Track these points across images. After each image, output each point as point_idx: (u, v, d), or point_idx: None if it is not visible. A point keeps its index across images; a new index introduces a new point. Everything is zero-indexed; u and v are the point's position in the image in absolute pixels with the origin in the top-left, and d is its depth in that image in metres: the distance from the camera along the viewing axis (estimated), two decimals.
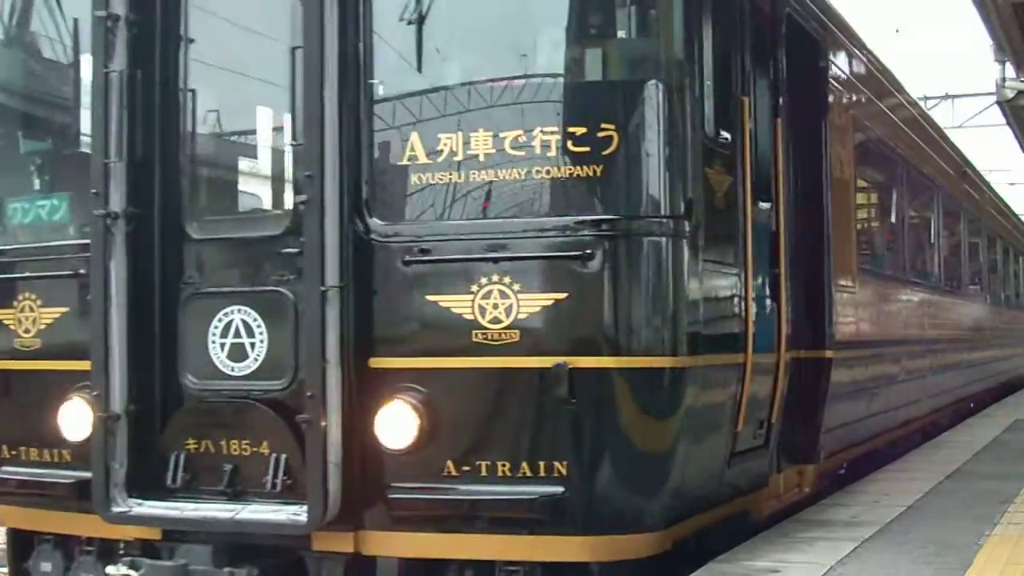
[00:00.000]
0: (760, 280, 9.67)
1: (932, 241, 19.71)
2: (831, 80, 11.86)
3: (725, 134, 8.86)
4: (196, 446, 8.50)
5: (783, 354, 9.90)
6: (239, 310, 8.41)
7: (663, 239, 8.02)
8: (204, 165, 9.13)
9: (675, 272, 8.07)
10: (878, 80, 15.08)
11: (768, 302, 9.87)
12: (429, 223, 8.32)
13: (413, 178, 8.28)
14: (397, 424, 8.01)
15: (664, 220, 8.04)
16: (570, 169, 7.99)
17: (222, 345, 8.44)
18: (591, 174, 7.95)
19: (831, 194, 11.50)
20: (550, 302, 7.85)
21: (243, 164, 9.21)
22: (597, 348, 7.88)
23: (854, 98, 13.09)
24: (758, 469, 9.83)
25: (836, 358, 11.33)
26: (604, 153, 7.91)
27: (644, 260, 7.98)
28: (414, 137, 8.26)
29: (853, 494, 11.79)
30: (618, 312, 7.91)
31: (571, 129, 7.99)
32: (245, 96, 9.15)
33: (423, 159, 8.23)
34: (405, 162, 8.31)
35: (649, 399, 8.05)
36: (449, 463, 8.00)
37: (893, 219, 16.60)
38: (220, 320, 8.45)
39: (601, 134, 7.92)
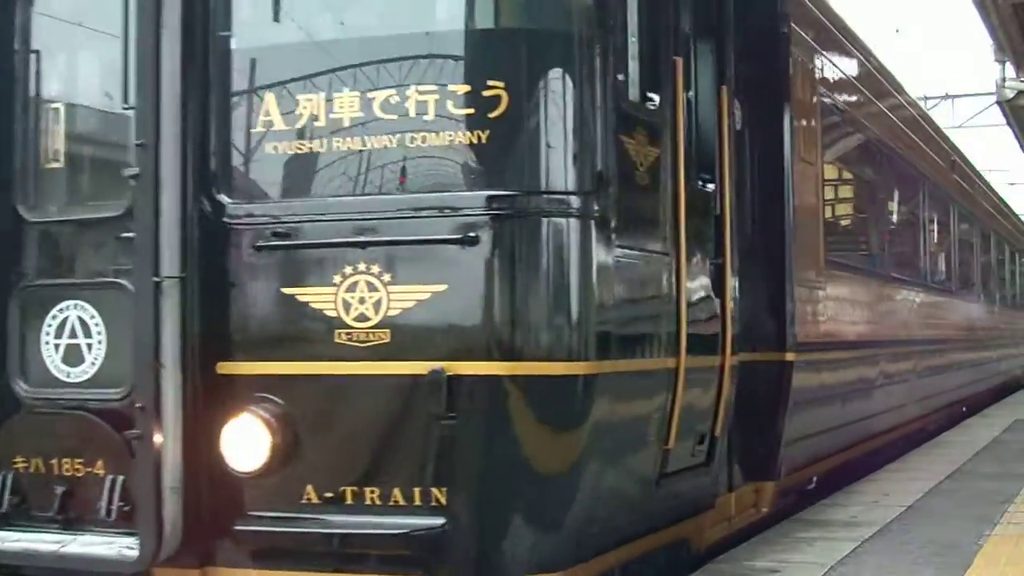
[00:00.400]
0: (698, 272, 8.12)
1: (918, 235, 17.95)
2: (793, 48, 10.25)
3: (652, 99, 7.34)
4: (26, 465, 7.00)
5: (728, 357, 8.36)
6: (75, 305, 6.92)
7: (565, 220, 6.54)
8: (40, 135, 7.47)
9: (582, 259, 6.58)
10: (852, 52, 13.36)
11: (710, 297, 8.31)
12: (286, 202, 6.83)
13: (268, 148, 6.80)
14: (247, 442, 6.52)
15: (566, 197, 6.54)
16: (451, 136, 6.51)
17: (56, 346, 6.94)
18: (476, 141, 6.48)
19: (793, 178, 9.99)
20: (427, 296, 6.41)
21: (83, 133, 7.62)
22: (484, 352, 6.41)
23: (823, 71, 11.45)
24: (699, 490, 8.27)
25: (799, 361, 9.82)
26: (491, 116, 6.44)
27: (542, 245, 6.50)
28: (270, 99, 6.78)
29: (853, 494, 11.45)
30: (510, 308, 6.44)
31: (452, 88, 6.52)
32: (86, 53, 7.59)
33: (280, 125, 6.76)
34: (260, 129, 6.81)
35: (548, 413, 6.54)
36: (309, 489, 6.54)
37: (870, 209, 14.80)
38: (54, 317, 6.95)
39: (487, 93, 6.45)
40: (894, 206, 16.31)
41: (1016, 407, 24.08)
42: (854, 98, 13.30)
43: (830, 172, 12.60)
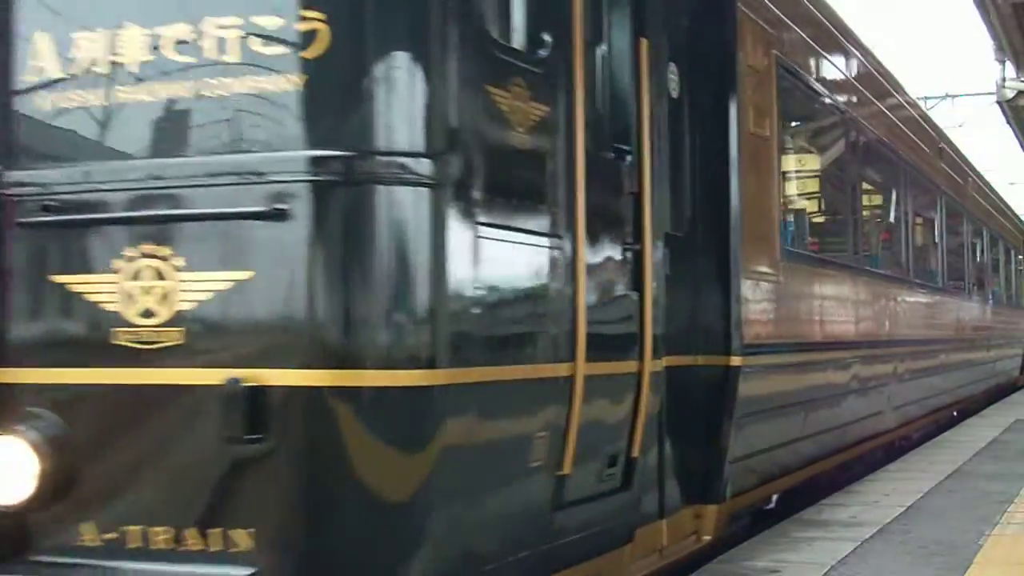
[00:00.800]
0: (605, 259, 6.58)
1: (899, 225, 16.02)
2: (741, 4, 8.67)
3: (541, 46, 5.85)
4: None
5: (648, 362, 6.87)
6: None
7: (407, 188, 5.02)
8: None
9: (430, 239, 5.06)
10: (814, 14, 11.37)
11: (623, 291, 6.82)
12: (59, 167, 5.36)
13: (38, 100, 5.39)
14: (7, 468, 5.11)
15: (409, 159, 5.02)
16: (256, 81, 5.06)
17: None
18: (288, 88, 5.04)
19: (742, 154, 8.48)
20: (227, 285, 4.99)
21: None
22: (300, 357, 4.95)
23: (779, 31, 9.78)
24: (612, 521, 6.75)
25: (747, 366, 8.41)
26: (308, 56, 5.01)
27: (376, 220, 5.00)
28: (41, 41, 5.37)
29: (853, 494, 11.26)
30: (334, 302, 4.99)
31: (257, 20, 5.05)
32: None
33: (53, 71, 5.34)
34: (30, 77, 5.40)
35: (387, 433, 5.04)
36: (85, 528, 5.13)
37: (840, 194, 12.93)
38: None
39: (302, 27, 5.01)
40: (870, 192, 14.65)
41: (1016, 407, 23.32)
42: (819, 65, 11.50)
43: (791, 150, 11.17)
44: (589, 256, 6.23)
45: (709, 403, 8.22)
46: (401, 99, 5.08)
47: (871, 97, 13.96)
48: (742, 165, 8.49)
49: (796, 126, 11.35)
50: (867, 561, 8.01)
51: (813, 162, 12.34)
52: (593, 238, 6.30)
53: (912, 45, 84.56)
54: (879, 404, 13.39)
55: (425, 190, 5.07)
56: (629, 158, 6.88)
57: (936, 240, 18.97)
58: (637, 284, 6.90)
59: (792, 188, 11.27)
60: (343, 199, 5.03)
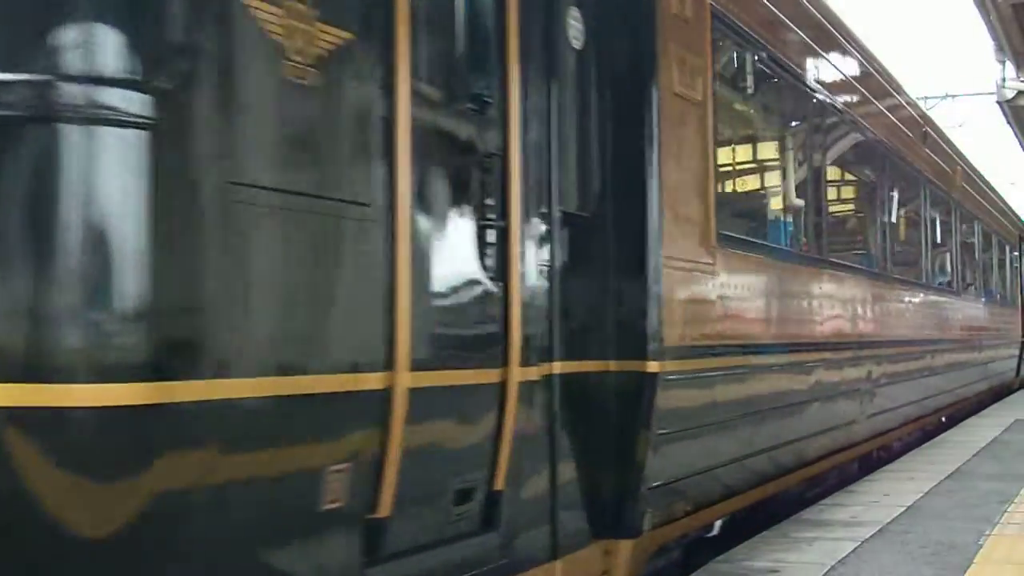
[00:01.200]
0: (447, 238, 5.13)
1: (874, 213, 14.13)
2: None
3: None
4: None
5: (516, 370, 5.46)
6: None
7: (114, 132, 3.59)
8: None
9: (153, 204, 3.62)
10: None
11: (479, 279, 5.36)
12: None
13: None
14: None
15: (117, 91, 3.60)
16: None
17: None
18: None
19: (662, 119, 6.99)
20: None
21: None
22: None
23: None
24: (466, 571, 5.33)
25: (669, 372, 6.97)
26: None
27: (63, 174, 3.57)
28: None
29: (853, 494, 11.07)
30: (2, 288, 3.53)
31: None
32: None
33: None
34: None
35: (77, 469, 3.55)
36: None
37: (800, 174, 10.99)
38: None
39: None
40: (837, 172, 12.87)
41: (1016, 407, 22.71)
42: (767, 17, 9.70)
43: (729, 115, 9.29)
44: (418, 232, 4.78)
45: (622, 417, 6.80)
46: (84, 5, 3.59)
47: (835, 64, 12.03)
48: (664, 132, 7.04)
49: (739, 89, 9.47)
50: (867, 561, 7.89)
51: (763, 133, 10.58)
52: (425, 209, 4.84)
53: (912, 45, 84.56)
54: (851, 412, 11.83)
55: (143, 134, 3.60)
56: (490, 112, 5.41)
57: (920, 231, 17.22)
58: (502, 272, 5.47)
59: (734, 163, 9.73)
60: (19, 142, 3.56)
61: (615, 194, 6.83)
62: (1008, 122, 31.28)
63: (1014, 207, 31.65)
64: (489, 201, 5.46)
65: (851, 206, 14.26)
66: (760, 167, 10.72)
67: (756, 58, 9.38)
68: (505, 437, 5.47)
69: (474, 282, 5.36)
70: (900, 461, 13.87)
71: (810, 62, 10.96)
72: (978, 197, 23.59)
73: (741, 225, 9.32)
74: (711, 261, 7.84)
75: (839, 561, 7.88)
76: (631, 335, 6.83)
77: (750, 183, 10.28)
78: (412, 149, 4.73)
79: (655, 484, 6.92)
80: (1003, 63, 26.98)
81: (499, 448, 5.44)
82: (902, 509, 10.02)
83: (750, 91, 9.63)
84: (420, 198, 4.85)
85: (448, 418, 5.16)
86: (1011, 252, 28.66)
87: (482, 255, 5.41)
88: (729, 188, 9.67)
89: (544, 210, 6.05)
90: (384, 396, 4.56)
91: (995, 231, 25.62)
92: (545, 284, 6.01)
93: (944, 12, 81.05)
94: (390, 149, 4.61)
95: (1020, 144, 35.33)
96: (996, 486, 11.38)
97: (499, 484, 5.44)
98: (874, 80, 14.33)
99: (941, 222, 18.98)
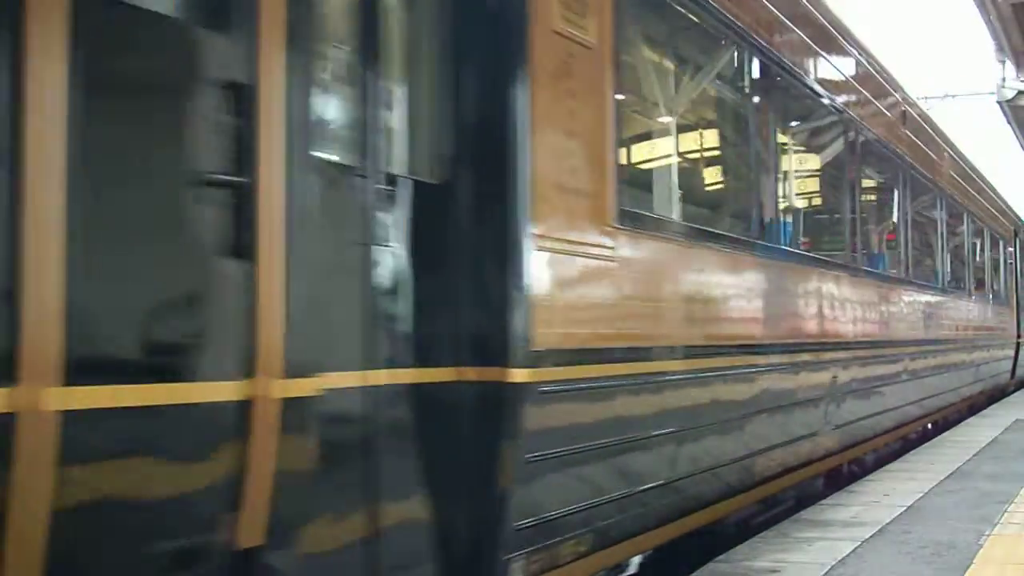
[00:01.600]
0: (126, 198, 3.69)
1: (839, 196, 12.44)
2: None
3: None
4: None
5: (273, 384, 4.12)
6: None
7: None
8: None
9: None
10: None
11: (197, 256, 3.97)
12: None
13: None
14: None
15: None
16: None
17: None
18: None
19: (535, 63, 5.63)
20: None
21: None
22: None
23: None
24: None
25: (542, 382, 5.55)
26: None
27: None
28: None
29: (853, 494, 10.98)
30: None
31: None
32: None
33: None
34: None
35: None
36: None
37: (737, 143, 9.39)
38: None
39: None
40: (787, 143, 10.86)
41: (1016, 407, 22.46)
42: None
43: (642, 67, 7.75)
44: (67, 188, 3.36)
45: (478, 439, 5.42)
46: None
47: (783, 15, 10.02)
48: (538, 79, 5.66)
49: (654, 37, 7.92)
50: (867, 561, 7.85)
51: (690, 92, 8.61)
52: (82, 154, 3.42)
53: (912, 45, 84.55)
54: (811, 423, 10.34)
55: None
56: (228, 29, 4.03)
57: (900, 220, 15.41)
58: (242, 246, 4.05)
59: (650, 126, 8.09)
60: None
61: (472, 157, 5.49)
62: (1008, 122, 31.28)
63: (1015, 208, 30.90)
64: (227, 147, 3.99)
65: (809, 184, 12.32)
66: (687, 133, 8.80)
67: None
68: (255, 474, 4.03)
69: (188, 261, 3.91)
70: (900, 461, 13.76)
71: (750, 8, 9.07)
72: (968, 187, 21.96)
73: (656, 202, 7.92)
74: (610, 244, 6.41)
75: (839, 561, 7.83)
76: (489, 336, 5.45)
77: (671, 152, 8.30)
78: (72, 61, 3.36)
79: (525, 523, 5.57)
80: (1003, 63, 26.77)
81: (243, 494, 4.00)
82: (902, 509, 9.96)
83: (670, 39, 8.13)
84: (75, 137, 3.38)
85: (132, 455, 3.63)
86: (1006, 248, 27.19)
87: (205, 221, 3.93)
88: (640, 157, 8.12)
89: (345, 168, 4.73)
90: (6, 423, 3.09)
91: (987, 224, 23.98)
92: (353, 267, 4.76)
93: (944, 12, 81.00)
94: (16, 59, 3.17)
95: (1020, 144, 35.29)
96: (996, 486, 11.31)
97: (243, 540, 4.01)
98: (838, 43, 12.35)
99: (925, 212, 17.40)
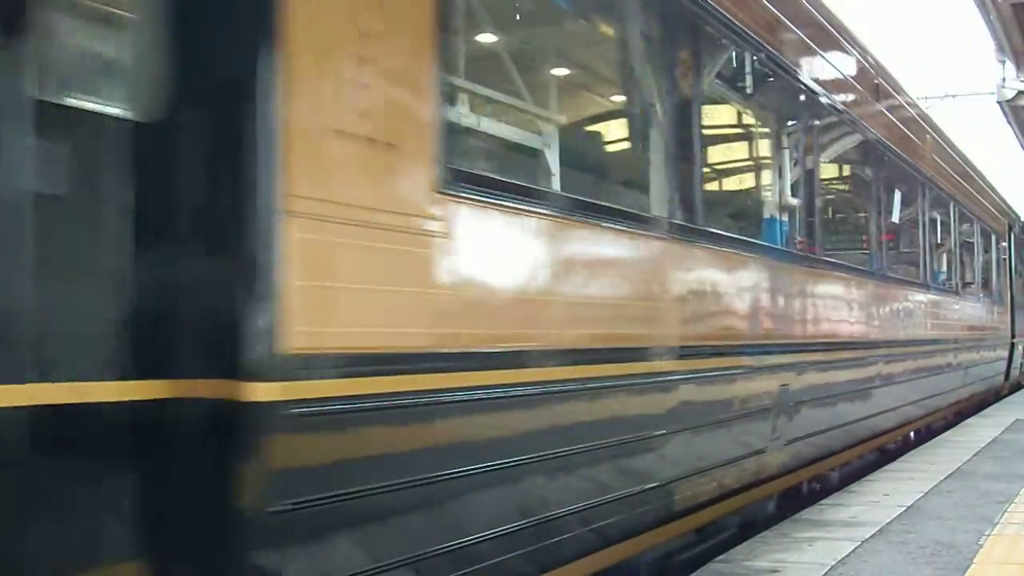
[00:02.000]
0: None
1: (786, 176, 10.11)
2: None
3: None
4: None
5: None
6: None
7: None
8: None
9: None
10: None
11: None
12: None
13: None
14: None
15: None
16: None
17: None
18: None
19: None
20: None
21: None
22: None
23: None
24: None
25: (294, 402, 3.98)
26: None
27: None
28: None
29: (853, 494, 10.96)
30: None
31: None
32: None
33: None
34: None
35: None
36: None
37: (646, 94, 7.17)
38: None
39: None
40: (722, 102, 9.15)
41: (1016, 407, 22.21)
42: None
43: None
44: None
45: (200, 483, 3.89)
46: None
47: None
48: None
49: None
50: (867, 561, 7.82)
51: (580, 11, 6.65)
52: None
53: (912, 45, 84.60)
54: (755, 439, 8.91)
55: None
56: None
57: (873, 207, 13.67)
58: None
59: (509, 59, 6.42)
60: None
61: (200, 89, 3.95)
62: (1008, 122, 31.25)
63: (1005, 196, 29.09)
64: None
65: (751, 156, 10.27)
66: (582, 72, 6.68)
67: None
68: None
69: None
70: (900, 461, 13.72)
71: None
72: (956, 175, 19.99)
73: (514, 162, 6.25)
74: (433, 214, 4.81)
75: (839, 561, 7.81)
76: (217, 336, 3.90)
77: (543, 96, 6.45)
78: None
79: None
80: (1003, 63, 26.71)
81: None
82: (902, 509, 9.94)
83: None
84: None
85: None
86: (999, 243, 25.22)
87: None
88: (484, 108, 6.22)
89: None
90: None
91: (978, 217, 22.18)
92: None
93: (944, 12, 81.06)
94: None
95: (1020, 144, 35.27)
96: (996, 486, 11.29)
97: None
98: (817, 23, 10.92)
99: (904, 199, 15.24)
